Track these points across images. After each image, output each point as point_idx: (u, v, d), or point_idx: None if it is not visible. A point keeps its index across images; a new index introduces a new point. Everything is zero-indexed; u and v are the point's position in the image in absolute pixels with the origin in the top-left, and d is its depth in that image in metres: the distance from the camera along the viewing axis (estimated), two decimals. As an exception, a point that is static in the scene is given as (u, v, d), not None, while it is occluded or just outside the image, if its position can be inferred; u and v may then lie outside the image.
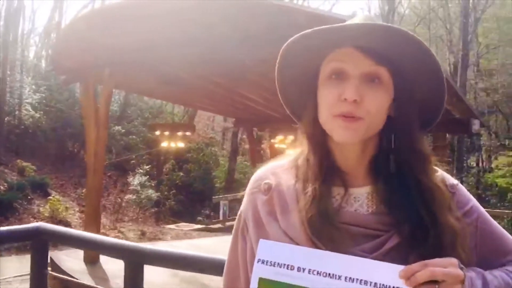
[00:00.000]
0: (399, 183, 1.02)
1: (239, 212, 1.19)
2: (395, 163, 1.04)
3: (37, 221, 10.49)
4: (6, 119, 17.27)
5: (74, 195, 16.24)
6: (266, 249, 1.00)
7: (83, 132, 9.76)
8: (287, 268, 0.97)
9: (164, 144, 14.47)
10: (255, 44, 6.71)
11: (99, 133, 8.37)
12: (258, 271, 0.99)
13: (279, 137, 14.25)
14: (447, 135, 13.38)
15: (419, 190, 1.01)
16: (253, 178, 1.18)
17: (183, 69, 8.55)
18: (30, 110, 17.67)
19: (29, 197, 14.09)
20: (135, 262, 2.26)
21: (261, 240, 1.02)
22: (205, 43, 7.14)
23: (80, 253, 8.10)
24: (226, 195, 17.83)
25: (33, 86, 18.49)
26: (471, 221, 1.07)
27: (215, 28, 6.79)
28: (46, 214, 13.00)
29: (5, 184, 14.20)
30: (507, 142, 24.25)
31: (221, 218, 15.71)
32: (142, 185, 16.59)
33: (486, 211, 1.13)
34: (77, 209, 15.01)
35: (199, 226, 15.89)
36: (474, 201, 1.11)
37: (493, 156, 27.82)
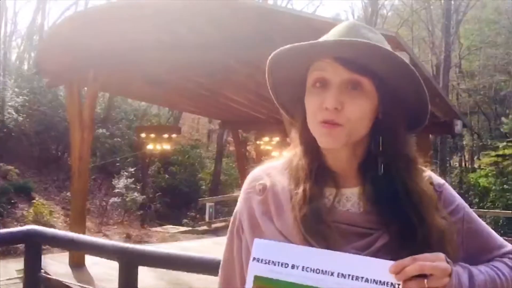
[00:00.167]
0: (387, 185, 1.06)
1: (234, 212, 1.22)
2: (383, 165, 1.07)
3: (21, 225, 10.39)
4: (-12, 122, 17.07)
5: (58, 198, 16.11)
6: (261, 247, 1.03)
7: (67, 135, 9.71)
8: (282, 266, 1.00)
9: (150, 147, 14.43)
10: (240, 46, 6.74)
11: (84, 136, 8.34)
12: (254, 269, 1.02)
13: (265, 139, 14.29)
14: (430, 136, 13.54)
15: (406, 192, 1.05)
16: (248, 179, 1.21)
17: (168, 71, 8.55)
18: (13, 113, 17.46)
19: (12, 201, 13.93)
20: (130, 263, 2.27)
21: (256, 239, 1.05)
22: (190, 45, 7.16)
23: (65, 256, 8.06)
24: (212, 197, 17.83)
25: (16, 89, 18.28)
26: (457, 219, 1.11)
27: (200, 29, 6.81)
28: (30, 218, 12.87)
29: (-12, 188, 14.03)
30: (489, 142, 24.55)
31: (207, 220, 15.68)
32: (127, 187, 16.50)
33: None
34: (61, 212, 14.89)
35: (185, 228, 15.87)
36: (460, 200, 1.15)
37: (475, 156, 28.19)
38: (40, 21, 25.86)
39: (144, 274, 2.62)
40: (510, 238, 12.82)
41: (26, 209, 13.78)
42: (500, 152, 20.40)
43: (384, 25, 29.02)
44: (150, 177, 20.59)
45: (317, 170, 1.10)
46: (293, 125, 1.21)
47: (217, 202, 17.10)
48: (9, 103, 17.72)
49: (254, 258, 1.03)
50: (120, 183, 16.55)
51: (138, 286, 2.32)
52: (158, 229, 15.64)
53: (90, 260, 8.33)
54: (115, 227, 15.44)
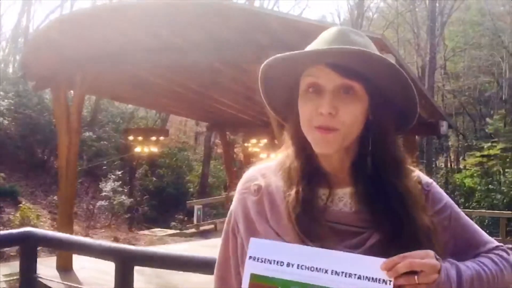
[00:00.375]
0: (378, 185, 1.10)
1: (229, 212, 1.25)
2: (373, 166, 1.11)
3: (7, 230, 10.30)
4: (-27, 126, 16.89)
5: (45, 202, 15.97)
6: (257, 246, 1.07)
7: (53, 139, 9.65)
8: (277, 264, 1.04)
9: (138, 149, 14.37)
10: (227, 48, 6.77)
11: (71, 139, 8.29)
12: (250, 267, 1.05)
13: (253, 141, 14.31)
14: (416, 137, 13.66)
15: (395, 192, 1.09)
16: (243, 179, 1.24)
17: (155, 73, 8.56)
18: (-2, 116, 17.30)
19: (-2, 205, 13.80)
20: (126, 263, 2.30)
21: (252, 238, 1.08)
22: (176, 48, 7.17)
23: (52, 261, 8.01)
24: (200, 200, 17.79)
25: (1, 93, 18.10)
26: (444, 217, 1.16)
27: (186, 32, 6.82)
28: (17, 222, 12.75)
29: (-26, 192, 13.88)
30: (474, 143, 24.80)
31: (195, 222, 15.64)
32: (115, 191, 16.41)
33: None
34: (48, 216, 14.77)
35: (173, 231, 15.81)
36: (447, 198, 1.20)
37: (461, 157, 28.47)
38: (25, 23, 25.65)
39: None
40: (497, 238, 13.00)
41: (12, 213, 13.65)
42: (485, 153, 20.64)
43: (370, 27, 29.21)
44: (138, 180, 20.50)
45: (310, 171, 1.14)
46: (283, 127, 1.24)
47: (205, 204, 17.07)
48: (-6, 107, 17.56)
49: (250, 257, 1.06)
50: (107, 186, 16.45)
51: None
52: (146, 232, 15.57)
53: (78, 264, 8.30)
54: (103, 230, 15.36)
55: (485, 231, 1.26)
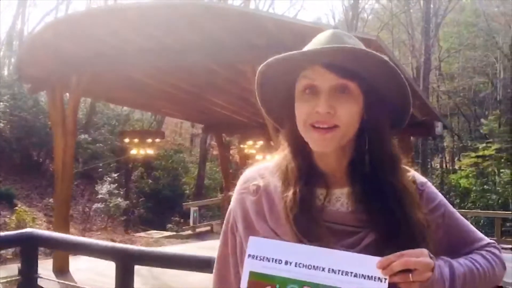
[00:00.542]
0: (375, 184, 1.12)
1: (228, 212, 1.27)
2: (370, 164, 1.13)
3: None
4: (-32, 129, 16.84)
5: (41, 205, 15.93)
6: (256, 245, 1.09)
7: (49, 141, 9.64)
8: (276, 262, 1.06)
9: (133, 152, 14.36)
10: (222, 50, 6.79)
11: (67, 141, 8.29)
12: (249, 265, 1.08)
13: (249, 143, 14.32)
14: (412, 138, 13.71)
15: (390, 190, 1.12)
16: (241, 180, 1.27)
17: (150, 75, 8.57)
18: (-7, 119, 17.25)
19: (-6, 208, 13.76)
20: (126, 263, 2.32)
21: (251, 237, 1.11)
22: (172, 50, 7.18)
23: (49, 263, 8.00)
24: (196, 201, 17.79)
25: (-4, 95, 18.08)
26: (438, 215, 1.19)
27: (182, 34, 6.84)
28: (13, 225, 12.72)
29: (-31, 195, 13.84)
30: (469, 143, 24.88)
31: (191, 224, 15.64)
32: (111, 193, 16.38)
33: None
34: (44, 219, 14.74)
35: (169, 233, 15.79)
36: (441, 197, 1.23)
37: (456, 157, 28.56)
38: (19, 26, 25.61)
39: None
40: (492, 238, 13.04)
41: (8, 216, 13.61)
42: (480, 153, 20.72)
43: (364, 28, 29.30)
44: (133, 182, 20.49)
45: (307, 172, 1.16)
46: (280, 129, 1.26)
47: (201, 206, 17.07)
48: (-11, 110, 17.51)
49: (249, 255, 1.08)
50: (103, 188, 16.43)
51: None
52: (142, 234, 15.55)
53: (74, 266, 8.30)
54: (99, 233, 15.33)
55: (481, 231, 1.29)
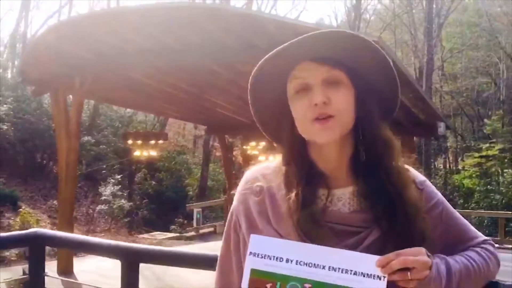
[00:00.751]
0: (375, 179, 1.15)
1: (230, 211, 1.29)
2: (366, 155, 1.16)
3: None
4: (-28, 131, 16.90)
5: (45, 207, 15.99)
6: (258, 243, 1.12)
7: (52, 144, 9.67)
8: (277, 260, 1.09)
9: (137, 153, 14.39)
10: (224, 52, 6.81)
11: (70, 143, 8.33)
12: (250, 263, 1.10)
13: (251, 144, 14.34)
14: (415, 138, 13.70)
15: (387, 175, 1.15)
16: (244, 180, 1.29)
17: (153, 77, 8.60)
18: (-3, 122, 17.32)
19: (-2, 210, 13.83)
20: (131, 261, 2.35)
21: (252, 235, 1.13)
22: (174, 52, 7.21)
23: (53, 264, 8.04)
24: (199, 203, 17.82)
25: (0, 98, 18.14)
26: (437, 213, 1.22)
27: (184, 36, 6.87)
28: (17, 227, 12.76)
29: (-26, 198, 13.90)
30: (472, 143, 24.83)
31: (194, 225, 15.68)
32: (114, 195, 16.44)
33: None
34: (48, 221, 14.80)
35: (172, 234, 15.83)
36: (439, 196, 1.26)
37: (459, 157, 28.50)
38: (23, 29, 25.68)
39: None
40: (495, 238, 13.02)
41: (12, 218, 13.68)
42: (484, 153, 20.67)
43: (367, 29, 29.28)
44: (137, 184, 20.53)
45: (308, 173, 1.18)
46: (274, 142, 1.30)
47: (204, 207, 17.10)
48: (-7, 112, 17.57)
49: (251, 253, 1.11)
50: (107, 190, 16.49)
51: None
52: (146, 236, 15.60)
53: (78, 267, 8.33)
54: (102, 234, 15.37)
55: (484, 232, 1.33)
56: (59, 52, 7.60)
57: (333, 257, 1.07)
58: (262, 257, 1.10)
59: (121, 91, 9.79)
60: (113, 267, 2.80)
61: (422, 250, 1.07)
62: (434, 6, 24.68)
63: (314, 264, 1.07)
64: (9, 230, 12.58)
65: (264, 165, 1.31)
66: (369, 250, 1.09)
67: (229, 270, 1.27)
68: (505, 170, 19.69)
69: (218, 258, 1.32)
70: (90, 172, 18.43)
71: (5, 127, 17.15)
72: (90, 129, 19.90)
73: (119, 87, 9.33)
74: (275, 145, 1.32)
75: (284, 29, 5.86)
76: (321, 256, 1.07)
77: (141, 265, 2.34)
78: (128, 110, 21.07)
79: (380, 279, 1.04)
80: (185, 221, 18.02)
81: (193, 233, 15.40)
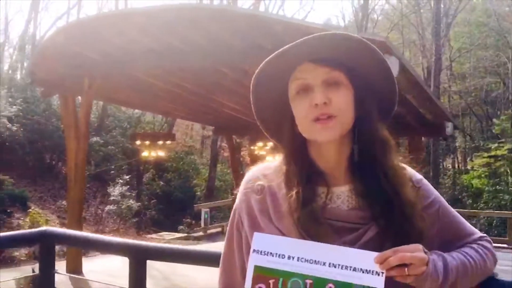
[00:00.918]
0: (373, 178, 1.18)
1: (233, 209, 1.33)
2: (364, 155, 1.19)
3: (17, 234, 10.39)
4: (-18, 132, 17.04)
5: (54, 207, 16.11)
6: (260, 240, 1.16)
7: (61, 144, 9.72)
8: (279, 257, 1.13)
9: (145, 154, 14.46)
10: (231, 53, 6.84)
11: (79, 144, 8.39)
12: (253, 260, 1.14)
13: (259, 144, 14.36)
14: (423, 138, 13.66)
15: (384, 174, 1.18)
16: (245, 179, 1.33)
17: (161, 78, 8.64)
18: (7, 123, 17.43)
19: (8, 211, 13.94)
20: (139, 258, 2.41)
21: (255, 233, 1.17)
22: (181, 53, 7.24)
23: (62, 264, 8.10)
24: (207, 203, 17.86)
25: (9, 99, 18.27)
26: (433, 211, 1.25)
27: (191, 38, 6.90)
28: (26, 227, 12.87)
29: (-17, 198, 14.01)
30: (481, 143, 24.69)
31: (202, 226, 15.72)
32: (123, 195, 16.53)
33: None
34: (57, 221, 14.91)
35: (180, 234, 15.89)
36: (436, 194, 1.29)
37: (468, 157, 28.35)
38: (32, 30, 25.90)
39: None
40: (504, 238, 12.95)
41: (22, 218, 13.79)
42: (492, 153, 20.54)
43: (374, 29, 29.23)
44: (145, 184, 20.61)
45: (308, 172, 1.21)
46: (274, 141, 1.34)
47: (212, 207, 17.14)
48: (3, 113, 17.70)
49: (254, 250, 1.15)
50: (115, 190, 16.58)
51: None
52: (154, 236, 15.67)
53: (87, 268, 8.40)
54: (111, 234, 15.45)
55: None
56: (68, 54, 7.66)
57: (333, 254, 1.10)
58: (265, 254, 1.13)
59: (129, 92, 9.84)
60: (121, 267, 2.85)
61: (419, 246, 1.10)
62: (442, 5, 24.55)
63: (315, 261, 1.10)
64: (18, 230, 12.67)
65: (265, 165, 1.35)
66: (367, 246, 1.12)
67: (232, 268, 1.31)
68: (514, 170, 19.56)
69: (221, 256, 1.35)
70: (99, 172, 18.54)
71: (14, 128, 17.29)
72: (98, 130, 20.02)
73: (127, 88, 9.38)
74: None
75: (290, 30, 5.88)
76: (322, 253, 1.11)
77: (149, 265, 2.39)
78: (136, 111, 21.17)
79: (378, 275, 1.07)
80: (193, 221, 18.07)
81: (201, 233, 15.45)
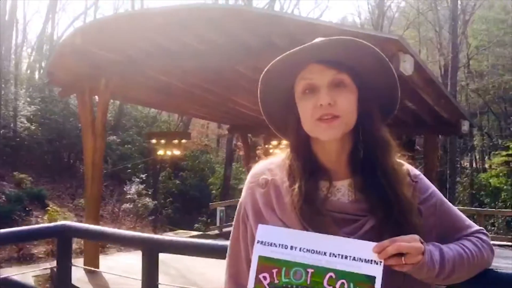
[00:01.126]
0: (371, 173, 1.24)
1: (239, 202, 1.40)
2: (365, 153, 1.25)
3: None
4: (1, 131, 17.32)
5: (71, 205, 16.32)
6: (264, 232, 1.22)
7: (79, 143, 9.82)
8: (282, 247, 1.18)
9: (160, 153, 14.56)
10: (246, 52, 6.86)
11: (96, 143, 8.48)
12: (258, 250, 1.20)
13: (273, 142, 14.36)
14: (439, 136, 13.56)
15: (383, 173, 1.23)
16: (251, 173, 1.40)
17: (177, 78, 8.70)
18: (25, 122, 17.71)
19: (27, 209, 14.17)
20: (152, 250, 2.51)
21: (260, 224, 1.24)
22: (197, 52, 7.29)
23: (80, 262, 8.21)
24: (222, 202, 17.92)
25: (28, 99, 18.55)
26: (431, 205, 1.30)
27: (208, 37, 6.94)
28: (45, 225, 13.07)
29: (3, 196, 14.26)
30: (499, 142, 24.41)
31: (218, 224, 15.77)
32: (139, 193, 16.68)
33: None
34: (75, 219, 15.08)
35: (196, 233, 15.92)
36: (433, 188, 1.34)
37: (486, 156, 28.04)
38: (49, 31, 26.22)
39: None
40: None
41: (40, 216, 14.00)
42: (511, 152, 20.31)
43: (390, 27, 29.06)
44: (161, 183, 20.76)
45: (310, 167, 1.27)
46: (280, 136, 1.41)
47: (227, 206, 17.18)
48: (21, 113, 17.98)
49: (258, 241, 1.21)
50: (132, 189, 16.74)
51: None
52: (170, 234, 15.74)
53: (105, 265, 8.50)
54: (128, 232, 15.61)
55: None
56: (85, 54, 7.76)
57: (333, 244, 1.16)
58: (268, 245, 1.19)
59: (145, 91, 9.92)
60: (136, 263, 2.91)
61: (416, 237, 1.15)
62: (459, 2, 24.33)
63: (316, 251, 1.16)
64: (37, 228, 12.87)
65: (269, 160, 1.42)
66: (366, 236, 1.17)
67: (238, 258, 1.37)
68: (532, 169, 19.32)
69: (228, 246, 1.42)
70: (116, 171, 18.73)
71: (33, 127, 17.54)
72: (115, 129, 20.22)
73: (143, 87, 9.46)
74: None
75: (305, 29, 5.90)
76: (323, 244, 1.16)
77: (167, 264, 2.46)
78: (152, 110, 21.34)
79: (377, 264, 1.12)
80: (209, 220, 18.18)
81: (216, 231, 15.49)
